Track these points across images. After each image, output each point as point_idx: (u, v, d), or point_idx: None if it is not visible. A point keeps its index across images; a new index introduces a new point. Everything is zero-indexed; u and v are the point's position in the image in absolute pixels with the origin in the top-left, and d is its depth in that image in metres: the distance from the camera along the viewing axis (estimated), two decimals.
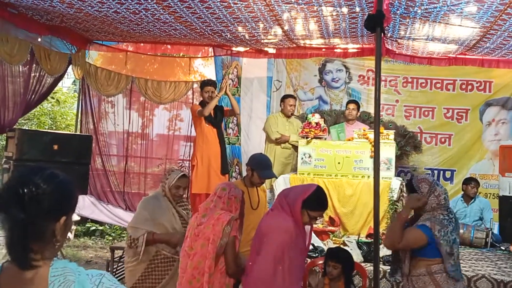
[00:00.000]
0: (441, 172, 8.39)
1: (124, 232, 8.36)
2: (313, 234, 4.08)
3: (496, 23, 5.08)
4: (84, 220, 9.01)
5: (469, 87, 8.41)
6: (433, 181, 3.41)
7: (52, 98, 10.83)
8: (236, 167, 8.37)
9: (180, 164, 8.98)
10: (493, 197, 7.86)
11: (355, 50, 7.24)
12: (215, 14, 5.47)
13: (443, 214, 3.28)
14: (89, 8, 5.37)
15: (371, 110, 7.47)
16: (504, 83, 8.25)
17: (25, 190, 1.37)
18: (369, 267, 4.50)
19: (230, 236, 3.34)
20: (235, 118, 8.26)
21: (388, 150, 6.19)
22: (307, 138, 6.41)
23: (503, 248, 6.08)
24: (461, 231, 5.87)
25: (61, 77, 7.76)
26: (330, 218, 5.95)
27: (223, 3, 5.06)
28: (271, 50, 7.52)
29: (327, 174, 6.29)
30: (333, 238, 5.61)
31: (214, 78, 7.71)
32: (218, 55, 7.89)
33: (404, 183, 6.01)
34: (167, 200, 4.05)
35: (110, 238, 9.04)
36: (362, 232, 5.90)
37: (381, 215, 5.28)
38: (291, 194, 3.22)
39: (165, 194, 4.05)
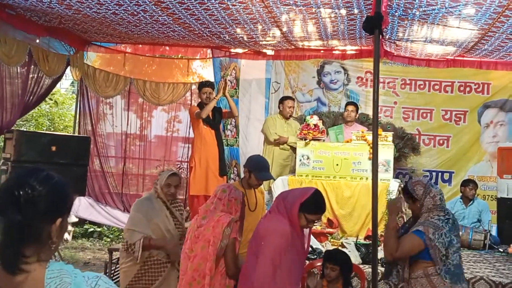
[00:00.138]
0: (439, 174, 8.40)
1: (122, 233, 8.35)
2: (311, 236, 4.09)
3: (494, 25, 5.08)
4: (82, 221, 9.00)
5: (467, 89, 8.42)
6: (428, 182, 3.42)
7: (50, 99, 10.80)
8: (234, 168, 8.36)
9: (178, 165, 8.98)
10: (491, 199, 7.86)
11: (353, 52, 7.23)
12: (214, 16, 5.47)
13: (438, 215, 3.28)
14: (88, 9, 5.36)
15: (369, 112, 7.46)
16: (502, 85, 8.26)
17: (21, 192, 1.37)
18: (367, 269, 4.50)
19: (230, 238, 3.35)
20: (233, 119, 8.26)
21: (386, 152, 6.19)
22: (305, 139, 6.41)
23: (501, 250, 6.08)
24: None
25: (59, 79, 7.75)
26: (328, 220, 5.95)
27: (222, 5, 5.06)
28: (270, 52, 7.51)
29: (326, 176, 6.29)
30: (332, 240, 5.60)
31: (212, 80, 7.70)
32: (216, 57, 7.88)
33: (402, 185, 6.01)
34: (160, 201, 4.09)
35: (108, 239, 9.04)
36: (361, 234, 5.90)
37: (379, 217, 5.24)
38: (289, 197, 3.21)
39: (158, 196, 4.09)
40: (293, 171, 6.77)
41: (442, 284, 3.19)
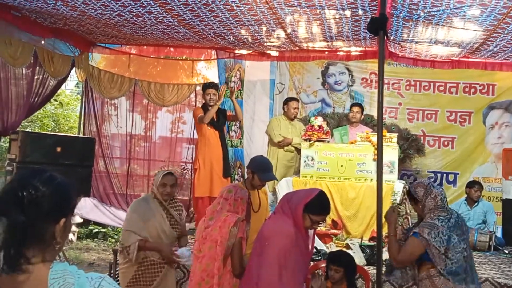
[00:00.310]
0: (444, 175, 8.37)
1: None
2: (316, 237, 4.08)
3: (499, 26, 5.07)
4: (86, 222, 9.01)
5: (472, 90, 8.40)
6: (429, 183, 3.43)
7: (55, 100, 10.83)
8: (239, 169, 8.36)
9: (183, 166, 8.99)
10: (496, 200, 7.84)
11: (358, 53, 7.23)
12: (218, 17, 5.47)
13: (439, 215, 3.27)
14: (93, 10, 5.38)
15: (374, 113, 7.46)
16: (507, 86, 8.24)
17: (24, 193, 1.37)
18: (372, 270, 4.49)
19: (236, 237, 3.37)
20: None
21: (391, 153, 6.18)
22: (310, 141, 6.40)
23: (506, 251, 6.06)
24: None
25: (64, 80, 7.77)
26: (333, 221, 5.95)
27: (226, 6, 5.07)
28: (274, 53, 7.51)
29: (330, 177, 6.29)
30: (336, 241, 5.60)
31: (217, 81, 7.71)
32: (221, 58, 7.89)
33: (406, 187, 6.00)
34: (157, 202, 4.09)
35: (113, 240, 9.04)
36: (365, 235, 5.90)
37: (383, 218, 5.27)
38: (294, 198, 3.21)
39: (155, 196, 4.10)
40: (297, 172, 6.77)
41: (444, 285, 3.17)
